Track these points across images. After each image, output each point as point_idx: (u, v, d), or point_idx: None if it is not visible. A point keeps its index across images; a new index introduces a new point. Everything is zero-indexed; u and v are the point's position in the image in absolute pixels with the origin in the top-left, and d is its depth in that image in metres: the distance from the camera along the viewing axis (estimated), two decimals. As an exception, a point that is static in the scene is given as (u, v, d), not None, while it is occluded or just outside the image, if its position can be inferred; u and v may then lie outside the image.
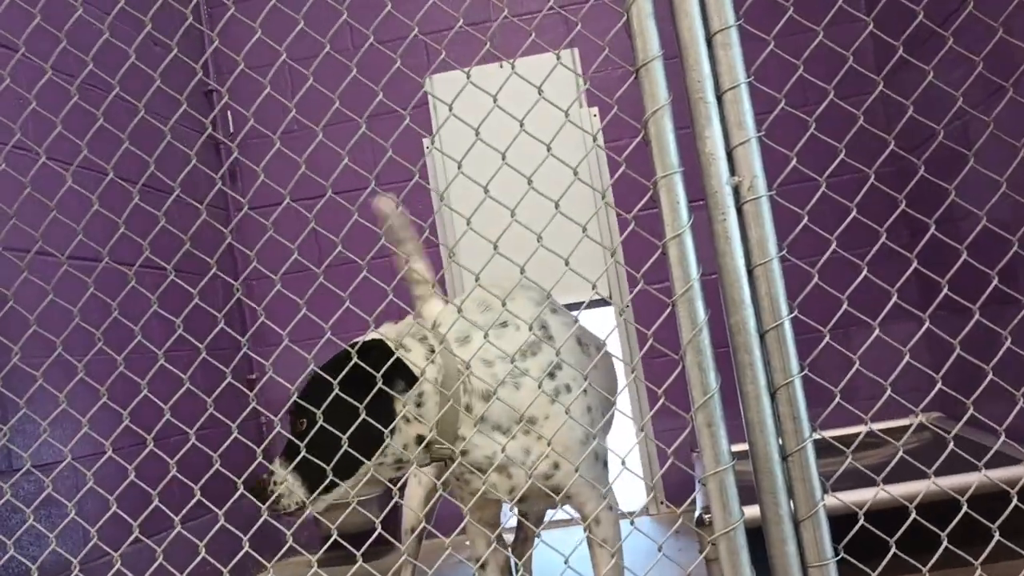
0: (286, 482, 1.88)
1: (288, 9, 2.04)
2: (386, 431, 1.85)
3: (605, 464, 2.06)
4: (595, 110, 4.22)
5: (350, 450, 1.84)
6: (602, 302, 4.25)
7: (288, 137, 4.40)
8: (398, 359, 1.85)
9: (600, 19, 4.23)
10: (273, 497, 1.89)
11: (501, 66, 4.02)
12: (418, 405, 1.89)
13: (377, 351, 1.87)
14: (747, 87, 1.62)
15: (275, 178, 4.05)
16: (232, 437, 2.02)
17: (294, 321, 2.08)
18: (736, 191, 1.61)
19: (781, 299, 1.60)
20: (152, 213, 2.35)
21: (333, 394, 1.82)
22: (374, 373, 1.83)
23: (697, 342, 1.60)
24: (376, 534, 2.11)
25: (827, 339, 1.81)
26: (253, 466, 2.17)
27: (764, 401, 1.59)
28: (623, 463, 1.77)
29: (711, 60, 1.63)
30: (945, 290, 1.81)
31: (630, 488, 4.44)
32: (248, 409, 2.22)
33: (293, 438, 1.90)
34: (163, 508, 2.47)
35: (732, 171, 1.62)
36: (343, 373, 1.83)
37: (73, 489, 2.98)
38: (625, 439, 5.32)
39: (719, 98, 1.63)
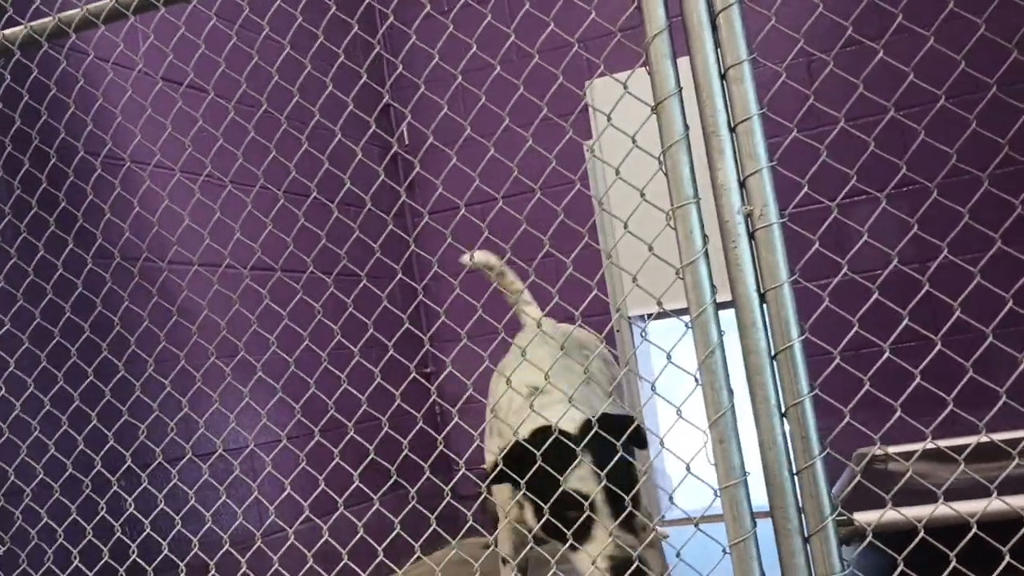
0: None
1: (460, 33, 2.27)
2: None
3: None
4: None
5: None
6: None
7: (461, 146, 4.67)
8: None
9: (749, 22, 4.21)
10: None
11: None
12: None
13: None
14: (759, 119, 1.69)
15: (450, 185, 4.35)
16: (417, 427, 2.28)
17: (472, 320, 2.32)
18: (748, 219, 1.69)
19: (792, 322, 1.66)
20: (343, 224, 2.65)
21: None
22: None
23: (710, 363, 1.69)
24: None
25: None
26: (434, 456, 2.41)
27: (775, 420, 1.66)
28: (688, 468, 1.89)
29: (724, 94, 1.71)
30: None
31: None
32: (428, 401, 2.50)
33: None
34: (328, 491, 2.80)
35: (747, 199, 1.70)
36: None
37: (252, 472, 3.40)
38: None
39: (733, 130, 1.71)
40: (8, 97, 2.48)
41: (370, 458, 2.40)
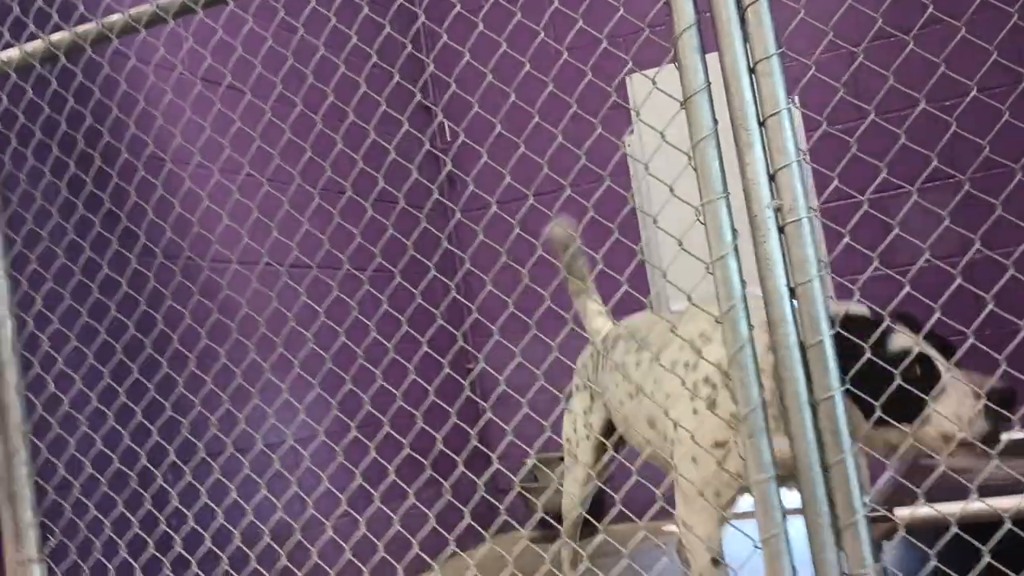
0: None
1: (493, 32, 2.30)
2: None
3: None
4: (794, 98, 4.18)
5: None
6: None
7: (500, 142, 4.69)
8: None
9: (787, 10, 4.18)
10: None
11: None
12: None
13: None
14: (788, 113, 1.69)
15: (489, 182, 4.37)
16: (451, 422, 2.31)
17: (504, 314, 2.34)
18: (778, 213, 1.69)
19: (822, 317, 1.65)
20: (379, 221, 2.68)
21: None
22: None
23: (740, 358, 1.70)
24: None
25: None
26: (469, 450, 2.44)
27: (805, 414, 1.66)
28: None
29: (753, 88, 1.71)
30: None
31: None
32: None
33: None
34: (365, 486, 2.84)
35: (777, 194, 1.69)
36: None
37: (292, 466, 3.46)
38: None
39: (762, 124, 1.71)
40: (54, 101, 2.55)
41: (405, 452, 2.43)
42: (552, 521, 2.44)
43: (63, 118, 2.53)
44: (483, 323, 4.49)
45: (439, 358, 2.69)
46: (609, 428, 2.66)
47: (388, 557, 2.41)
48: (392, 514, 2.41)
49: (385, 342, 2.45)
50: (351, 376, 3.24)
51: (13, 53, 2.37)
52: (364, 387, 2.60)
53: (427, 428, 2.42)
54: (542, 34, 2.18)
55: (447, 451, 2.35)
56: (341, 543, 2.46)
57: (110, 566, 2.45)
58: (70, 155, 2.52)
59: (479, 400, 4.43)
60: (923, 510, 2.69)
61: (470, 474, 2.33)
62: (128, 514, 2.49)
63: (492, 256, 4.45)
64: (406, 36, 4.23)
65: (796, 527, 1.67)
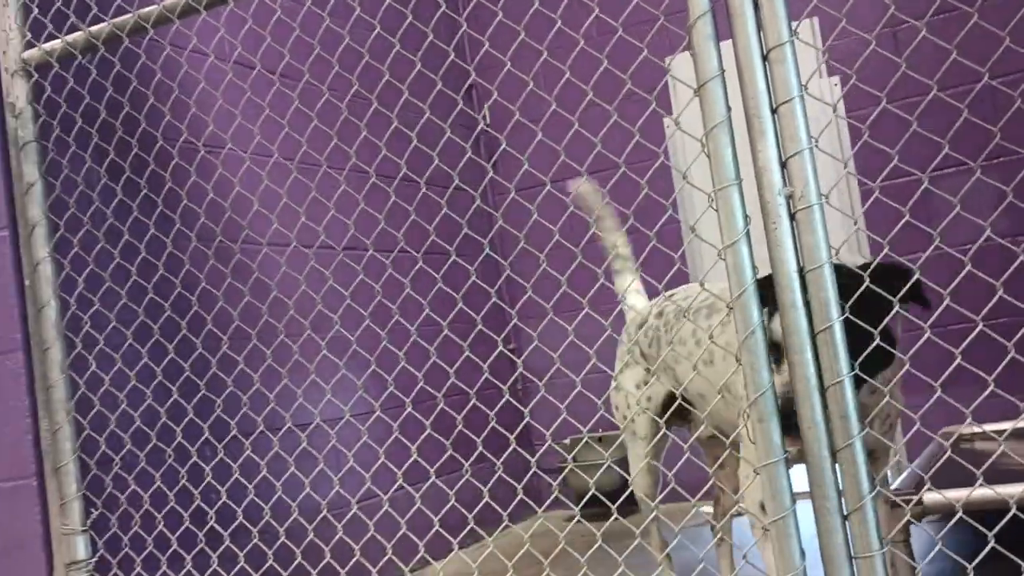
0: None
1: (529, 19, 2.32)
2: None
3: None
4: (836, 79, 4.14)
5: None
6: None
7: (543, 124, 4.72)
8: None
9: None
10: None
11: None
12: None
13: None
14: (800, 100, 1.70)
15: (533, 163, 4.39)
16: (504, 400, 2.37)
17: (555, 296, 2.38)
18: (789, 200, 1.70)
19: (832, 302, 1.67)
20: (424, 203, 2.73)
21: None
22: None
23: (750, 343, 1.72)
24: (628, 492, 2.37)
25: None
26: (520, 427, 2.49)
27: (815, 399, 1.68)
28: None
29: (767, 76, 1.72)
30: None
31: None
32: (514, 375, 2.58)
33: None
34: (421, 461, 2.91)
35: (788, 181, 1.71)
36: None
37: (353, 441, 3.52)
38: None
39: (774, 111, 1.72)
40: (95, 90, 2.64)
41: (458, 430, 2.48)
42: (603, 499, 2.48)
43: (103, 106, 2.62)
44: (534, 301, 4.52)
45: (493, 335, 2.72)
46: (669, 401, 2.70)
47: (443, 532, 2.45)
48: (448, 489, 2.47)
49: (440, 320, 2.50)
50: (401, 353, 3.30)
51: (56, 44, 2.46)
52: (416, 366, 2.64)
53: (479, 405, 2.47)
54: (597, 10, 2.19)
55: (470, 433, 2.40)
56: (396, 517, 2.52)
57: (148, 537, 2.55)
58: (110, 142, 2.60)
59: (529, 376, 4.48)
60: (951, 494, 2.68)
61: (521, 451, 2.37)
62: (165, 488, 2.58)
63: (528, 239, 4.48)
64: (440, 19, 4.26)
65: (804, 510, 1.69)
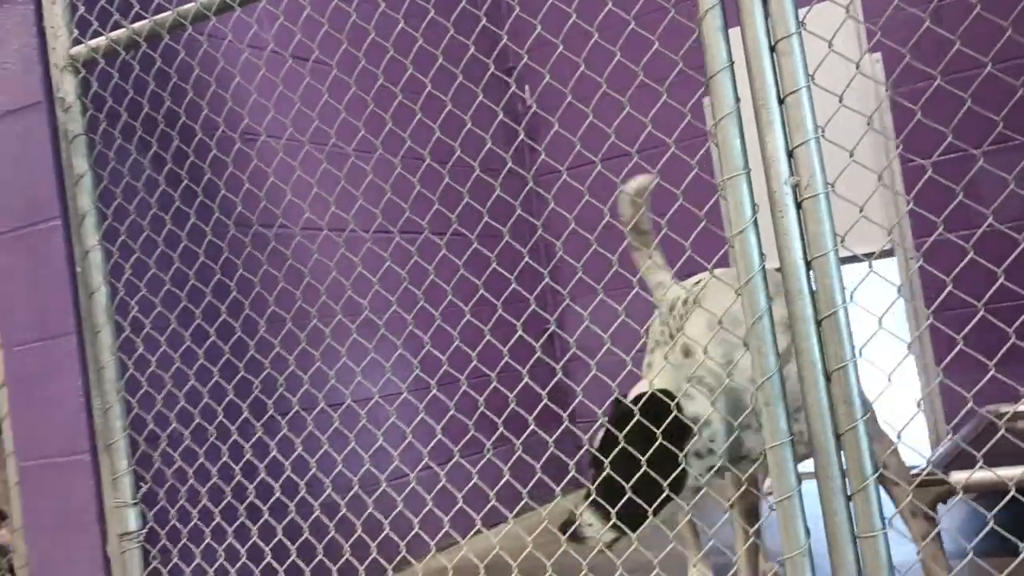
0: (592, 525, 2.10)
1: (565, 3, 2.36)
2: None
3: None
4: (878, 56, 4.10)
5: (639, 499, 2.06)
6: (887, 253, 4.16)
7: (583, 104, 4.75)
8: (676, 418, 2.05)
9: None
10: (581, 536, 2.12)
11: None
12: (711, 441, 2.11)
13: (658, 406, 2.07)
14: (807, 91, 1.73)
15: (570, 143, 4.43)
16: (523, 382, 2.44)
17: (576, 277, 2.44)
18: (796, 189, 1.74)
19: (836, 289, 1.71)
20: (457, 185, 2.79)
21: (620, 448, 2.06)
22: (654, 431, 2.03)
23: (758, 328, 1.76)
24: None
25: None
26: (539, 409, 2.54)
27: (820, 384, 1.72)
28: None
29: (774, 67, 1.76)
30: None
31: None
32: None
33: (592, 487, 2.11)
34: (445, 440, 2.99)
35: (795, 170, 1.74)
36: (627, 429, 2.05)
37: (382, 421, 3.64)
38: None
39: (781, 102, 1.75)
40: (138, 84, 2.75)
41: (480, 411, 2.57)
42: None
43: (145, 99, 2.73)
44: (567, 283, 4.60)
45: (512, 320, 2.78)
46: None
47: (468, 509, 2.53)
48: (471, 468, 2.56)
49: (462, 304, 2.57)
50: (426, 337, 3.38)
51: (100, 41, 2.57)
52: (448, 347, 2.71)
53: (470, 392, 2.55)
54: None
55: (518, 411, 2.47)
56: (424, 494, 2.61)
57: (193, 511, 2.68)
58: (152, 134, 2.71)
59: (556, 361, 4.55)
60: (980, 474, 2.70)
61: (541, 433, 2.43)
62: (208, 464, 2.71)
63: (569, 220, 4.52)
64: (482, 7, 4.31)
65: (810, 490, 1.74)
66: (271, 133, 3.28)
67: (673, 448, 2.05)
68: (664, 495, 2.06)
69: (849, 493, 1.71)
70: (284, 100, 3.11)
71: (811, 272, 1.73)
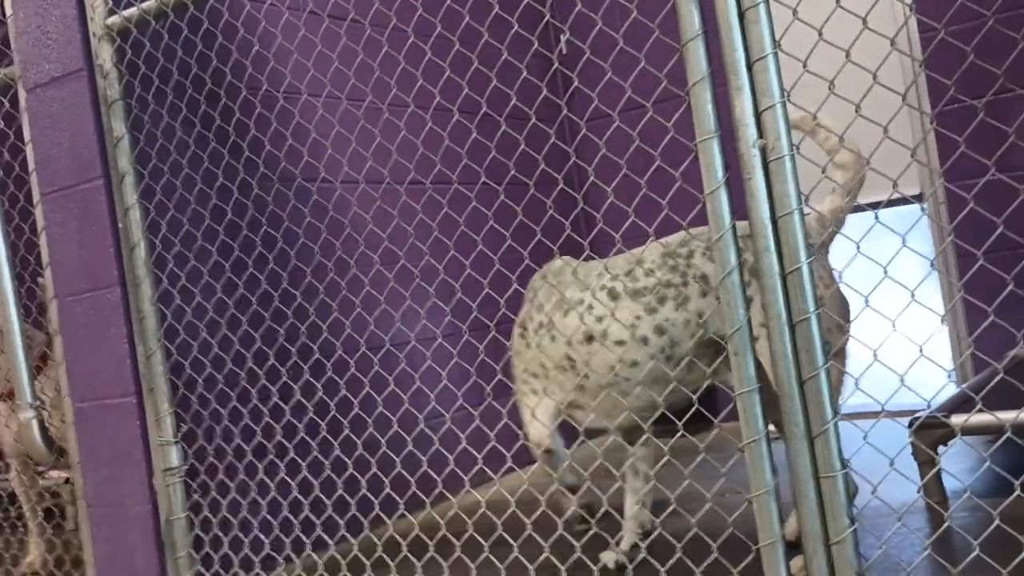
0: None
1: None
2: None
3: None
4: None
5: None
6: (903, 200, 4.19)
7: (618, 57, 4.79)
8: None
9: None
10: None
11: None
12: None
13: None
14: (773, 57, 1.82)
15: (609, 95, 4.50)
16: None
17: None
18: (763, 151, 1.84)
19: (799, 246, 1.81)
20: (501, 137, 2.89)
21: None
22: None
23: (728, 282, 1.88)
24: (694, 410, 2.56)
25: None
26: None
27: (785, 334, 1.84)
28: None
29: (743, 34, 1.85)
30: None
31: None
32: None
33: None
34: (481, 382, 3.16)
35: (762, 133, 1.84)
36: None
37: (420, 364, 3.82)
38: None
39: (749, 68, 1.84)
40: (167, 51, 2.91)
41: (509, 355, 2.73)
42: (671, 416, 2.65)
43: (174, 67, 2.90)
44: (607, 233, 4.70)
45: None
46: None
47: (499, 446, 2.68)
48: (501, 408, 2.71)
49: (491, 254, 2.71)
50: (457, 284, 3.51)
51: (133, 11, 2.74)
52: (485, 294, 2.83)
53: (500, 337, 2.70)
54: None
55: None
56: (458, 432, 2.77)
57: (228, 448, 2.90)
58: (182, 99, 2.88)
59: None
60: (978, 417, 2.79)
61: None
62: (239, 406, 2.92)
63: (611, 168, 4.62)
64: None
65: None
66: (311, 92, 3.42)
67: None
68: None
69: (812, 436, 1.83)
70: (323, 59, 3.25)
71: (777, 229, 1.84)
